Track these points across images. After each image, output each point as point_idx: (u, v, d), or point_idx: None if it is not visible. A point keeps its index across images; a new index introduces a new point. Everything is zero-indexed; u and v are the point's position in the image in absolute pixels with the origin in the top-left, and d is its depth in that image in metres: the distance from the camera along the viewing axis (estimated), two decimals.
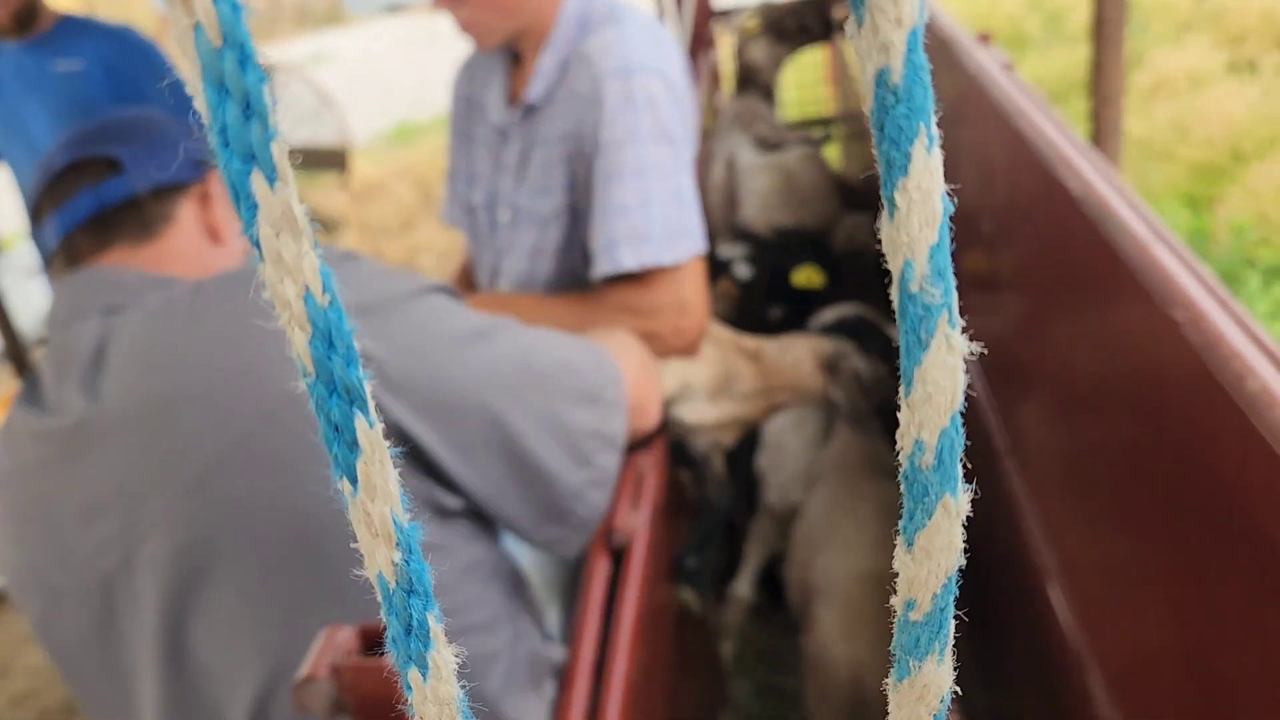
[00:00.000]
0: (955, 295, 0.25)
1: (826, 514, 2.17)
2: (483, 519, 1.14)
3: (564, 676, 1.24)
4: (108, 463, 0.98)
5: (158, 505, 0.97)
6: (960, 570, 0.27)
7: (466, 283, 2.05)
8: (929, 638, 0.27)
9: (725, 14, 4.50)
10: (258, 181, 0.22)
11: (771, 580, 2.54)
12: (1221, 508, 0.94)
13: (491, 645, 1.14)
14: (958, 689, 0.28)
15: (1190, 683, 1.03)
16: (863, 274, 2.93)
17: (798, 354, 1.92)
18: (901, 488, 0.26)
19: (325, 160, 5.62)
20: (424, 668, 0.27)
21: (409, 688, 0.28)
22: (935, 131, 0.24)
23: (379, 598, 0.27)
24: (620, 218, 1.54)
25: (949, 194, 0.25)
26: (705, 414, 1.73)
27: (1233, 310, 1.00)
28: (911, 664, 0.28)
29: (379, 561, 0.26)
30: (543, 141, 1.65)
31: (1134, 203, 1.24)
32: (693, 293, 1.61)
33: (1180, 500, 1.03)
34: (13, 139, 2.67)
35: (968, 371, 0.25)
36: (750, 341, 1.85)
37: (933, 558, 0.26)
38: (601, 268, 1.56)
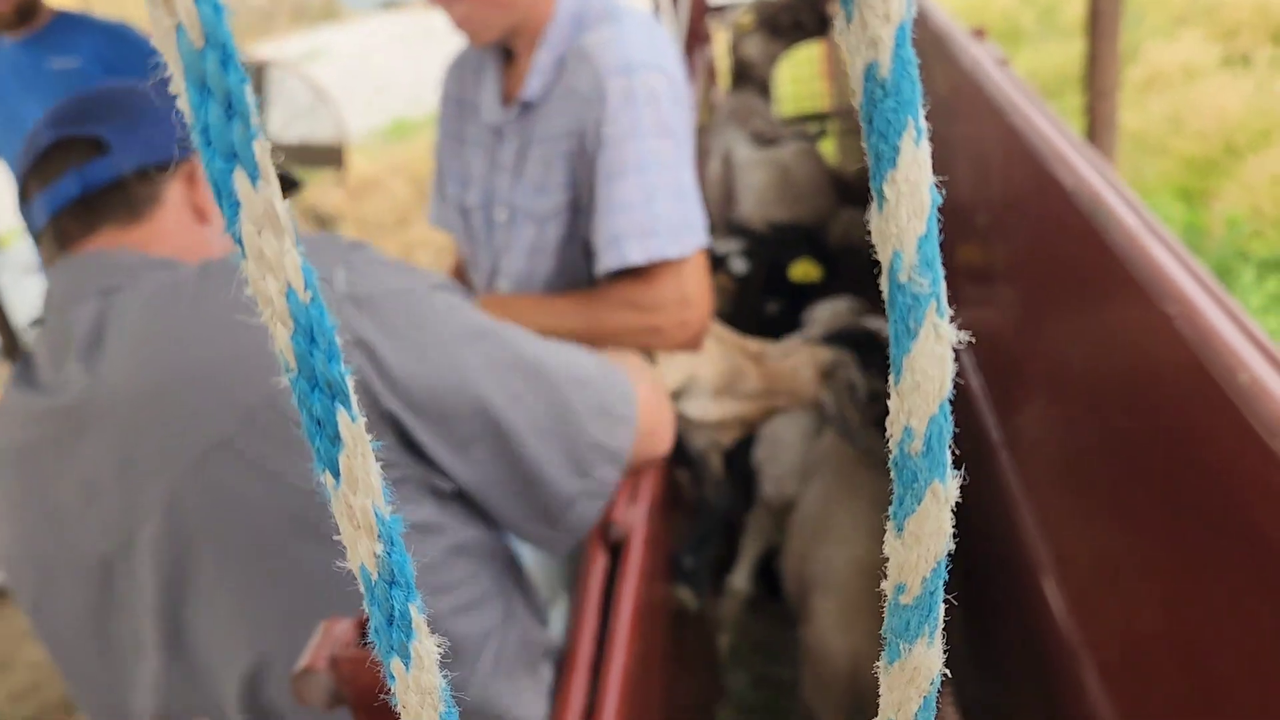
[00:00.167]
0: (943, 285, 0.25)
1: (822, 506, 2.18)
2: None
3: (562, 669, 1.25)
4: (107, 443, 0.98)
5: (158, 487, 0.97)
6: (950, 556, 0.28)
7: (459, 284, 2.05)
8: (919, 621, 0.28)
9: (720, 9, 4.51)
10: (240, 180, 0.23)
11: (768, 573, 2.55)
12: (1213, 499, 0.94)
13: (483, 624, 1.14)
14: (947, 671, 0.29)
15: (1182, 673, 1.04)
16: (859, 268, 2.94)
17: (797, 360, 1.93)
18: (891, 474, 0.27)
19: (321, 156, 5.61)
20: (406, 657, 0.28)
21: (392, 677, 0.28)
22: (923, 125, 0.24)
23: (361, 589, 0.27)
24: (624, 213, 1.55)
25: (937, 186, 0.25)
26: (708, 411, 1.74)
27: (1224, 304, 1.01)
28: (902, 647, 0.28)
29: (361, 553, 0.27)
30: (541, 139, 1.66)
31: (1127, 197, 1.25)
32: (695, 286, 1.61)
33: (1173, 492, 1.04)
34: (9, 137, 2.66)
35: (961, 363, 0.26)
36: (753, 344, 1.86)
37: (922, 543, 0.27)
38: (607, 263, 1.56)
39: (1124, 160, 4.76)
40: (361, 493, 0.26)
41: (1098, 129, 3.04)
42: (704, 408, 1.73)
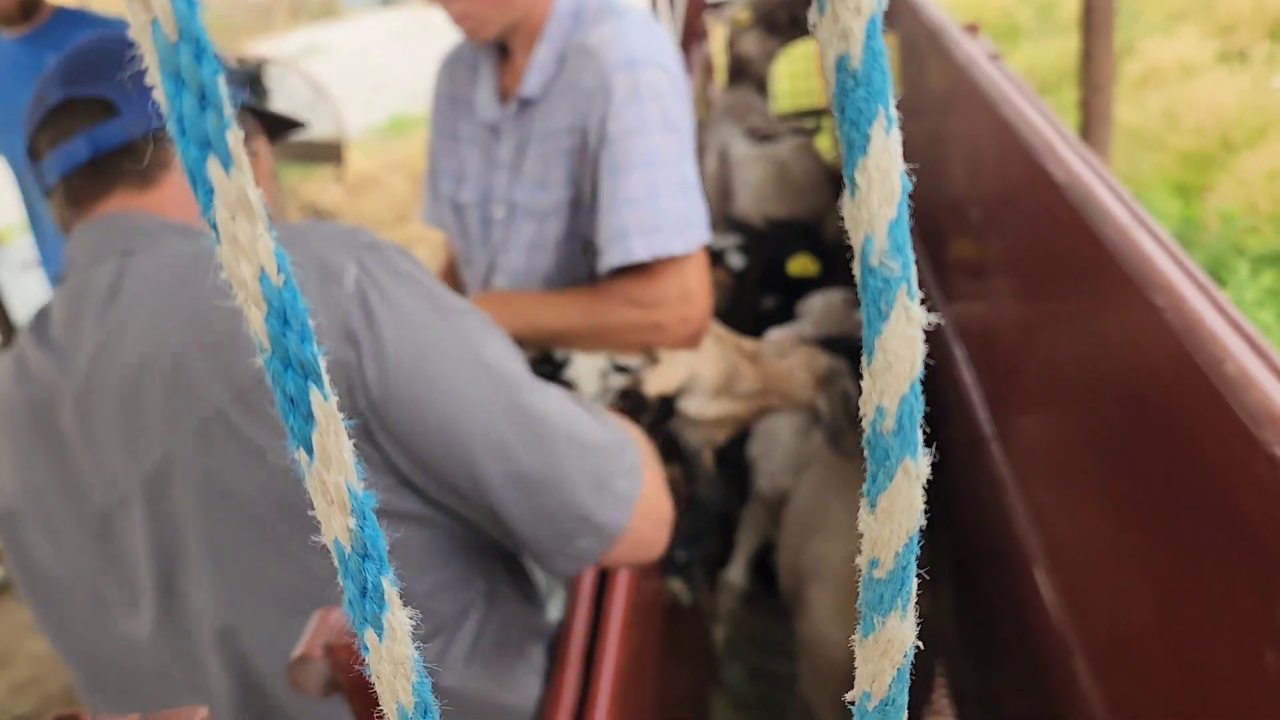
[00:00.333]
0: (914, 269, 0.26)
1: (816, 500, 2.19)
2: None
3: (555, 662, 1.26)
4: (115, 402, 0.99)
5: (158, 450, 0.98)
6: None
7: (452, 282, 2.04)
8: (892, 594, 0.29)
9: (717, 6, 4.51)
10: (214, 167, 0.24)
11: (764, 567, 2.57)
12: (1201, 489, 0.95)
13: (455, 605, 1.13)
14: (920, 643, 0.30)
15: (1170, 662, 1.05)
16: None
17: (793, 361, 1.94)
18: (865, 452, 0.28)
19: (320, 153, 5.60)
20: (379, 629, 0.29)
21: (366, 648, 0.29)
22: (894, 114, 0.25)
23: (335, 562, 0.28)
24: (629, 209, 1.55)
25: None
26: (705, 409, 1.74)
27: (1211, 295, 1.02)
28: (876, 620, 0.29)
29: (335, 528, 0.27)
30: (540, 135, 1.66)
31: (1117, 191, 1.26)
32: (697, 283, 1.62)
33: (1161, 482, 1.05)
34: (9, 132, 2.66)
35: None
36: (748, 343, 1.87)
37: (894, 518, 0.28)
38: (611, 258, 1.57)
39: (1120, 155, 4.77)
40: (334, 469, 0.27)
41: (1092, 124, 3.05)
42: (701, 406, 1.73)
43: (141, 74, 0.23)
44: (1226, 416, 0.88)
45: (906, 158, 0.25)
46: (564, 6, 1.65)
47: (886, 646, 0.29)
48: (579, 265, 1.71)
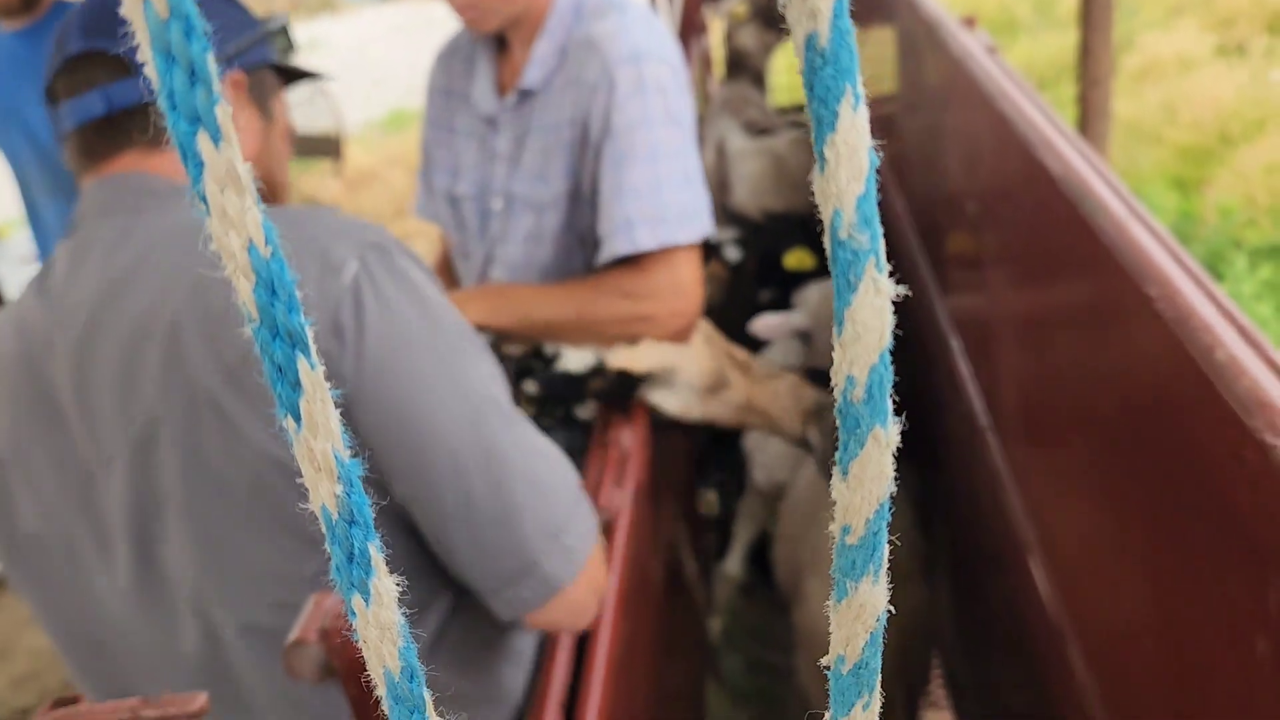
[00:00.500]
0: (882, 242, 0.27)
1: (813, 491, 2.20)
2: None
3: (545, 651, 1.27)
4: (112, 361, 1.00)
5: (146, 414, 0.99)
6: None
7: (445, 276, 2.05)
8: (864, 560, 0.29)
9: (715, 0, 4.51)
10: (203, 141, 0.24)
11: (760, 559, 2.57)
12: (1194, 477, 0.96)
13: (424, 596, 1.13)
14: (892, 608, 0.30)
15: (1164, 651, 1.06)
16: None
17: (780, 386, 1.91)
18: (836, 421, 0.29)
19: (319, 147, 5.60)
20: (366, 594, 0.29)
21: (352, 613, 0.30)
22: (861, 91, 0.26)
23: (323, 528, 0.29)
24: (634, 200, 1.56)
25: (875, 149, 0.27)
26: (692, 408, 1.73)
27: (1204, 285, 1.02)
28: (849, 585, 0.30)
29: (322, 494, 0.28)
30: (541, 128, 1.67)
31: (1112, 183, 1.26)
32: (689, 276, 1.63)
33: (1153, 471, 1.06)
34: (8, 126, 2.67)
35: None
36: (740, 352, 1.86)
37: (865, 485, 0.29)
38: (616, 248, 1.57)
39: (1119, 149, 4.77)
40: (322, 437, 0.27)
41: (1090, 117, 3.05)
42: (687, 404, 1.72)
43: None
44: (1218, 404, 0.89)
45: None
46: (564, 0, 1.66)
47: (859, 611, 0.30)
48: (576, 257, 1.72)
